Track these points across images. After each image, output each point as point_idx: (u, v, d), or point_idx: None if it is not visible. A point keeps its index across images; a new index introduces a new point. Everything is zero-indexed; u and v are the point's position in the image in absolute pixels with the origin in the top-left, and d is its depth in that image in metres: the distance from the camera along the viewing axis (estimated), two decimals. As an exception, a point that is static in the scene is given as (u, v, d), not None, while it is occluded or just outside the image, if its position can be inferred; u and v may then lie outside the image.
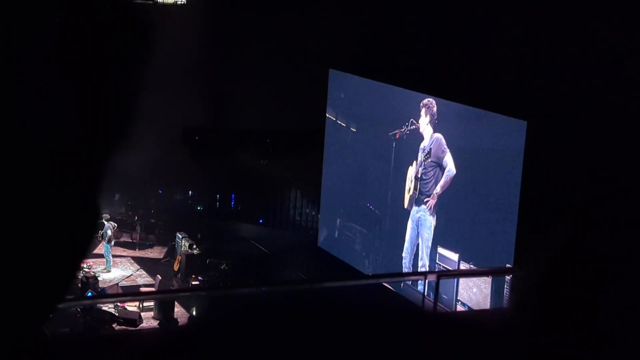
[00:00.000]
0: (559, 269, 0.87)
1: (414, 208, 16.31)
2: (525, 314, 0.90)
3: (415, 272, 15.89)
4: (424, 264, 16.02)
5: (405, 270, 16.48)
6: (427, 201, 15.90)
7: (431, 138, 15.71)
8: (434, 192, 15.68)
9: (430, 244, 15.89)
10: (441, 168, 15.48)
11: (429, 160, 15.75)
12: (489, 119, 14.14)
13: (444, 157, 15.33)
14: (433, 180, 15.73)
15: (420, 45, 15.71)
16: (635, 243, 0.83)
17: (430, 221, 15.84)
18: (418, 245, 16.25)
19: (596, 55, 12.05)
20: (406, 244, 16.57)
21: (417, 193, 16.07)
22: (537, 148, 13.02)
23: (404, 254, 16.61)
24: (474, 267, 14.66)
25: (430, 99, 15.66)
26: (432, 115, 15.64)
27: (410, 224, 16.48)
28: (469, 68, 14.46)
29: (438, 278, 7.07)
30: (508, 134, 13.75)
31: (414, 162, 16.25)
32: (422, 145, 16.02)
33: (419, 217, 16.14)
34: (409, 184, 16.42)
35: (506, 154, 13.79)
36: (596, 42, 12.09)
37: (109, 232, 19.84)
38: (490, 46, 14.15)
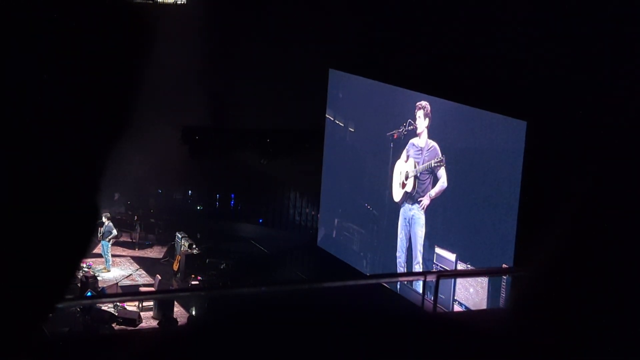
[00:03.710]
0: (558, 269, 0.87)
1: (407, 205, 16.34)
2: (525, 315, 0.89)
3: (415, 272, 15.90)
4: (418, 262, 16.04)
5: (400, 268, 16.51)
6: (421, 201, 15.93)
7: (427, 143, 15.73)
8: (428, 193, 15.74)
9: (423, 242, 15.93)
10: (435, 177, 15.55)
11: (424, 164, 15.80)
12: (488, 119, 14.14)
13: (438, 167, 15.41)
14: (427, 182, 15.77)
15: (420, 45, 15.71)
16: (636, 243, 0.83)
17: (423, 219, 15.90)
18: (411, 243, 16.29)
19: (596, 55, 12.05)
20: (399, 243, 16.59)
21: (415, 191, 16.09)
22: (537, 148, 13.02)
23: (398, 253, 16.63)
24: (471, 267, 14.68)
25: (425, 102, 15.69)
26: (429, 118, 15.68)
27: (401, 222, 16.51)
28: (469, 68, 14.46)
29: (438, 278, 7.06)
30: (508, 134, 13.75)
31: (408, 156, 16.25)
32: (416, 142, 16.02)
33: (413, 215, 16.16)
34: (401, 177, 16.43)
35: (506, 154, 13.80)
36: (596, 41, 12.09)
37: (114, 232, 19.84)
38: (490, 46, 14.15)
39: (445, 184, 15.27)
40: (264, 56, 20.25)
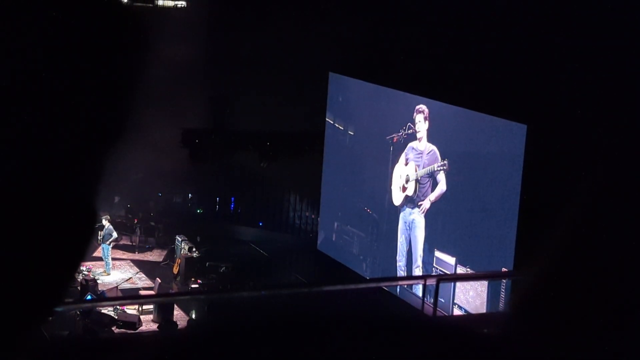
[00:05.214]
0: (558, 272, 0.87)
1: (407, 209, 16.32)
2: (524, 318, 0.89)
3: (415, 276, 15.90)
4: (418, 266, 16.04)
5: (400, 272, 16.50)
6: (421, 204, 15.93)
7: (427, 147, 15.74)
8: (428, 197, 15.74)
9: (423, 245, 15.93)
10: (434, 181, 15.54)
11: (426, 168, 15.80)
12: (488, 122, 14.14)
13: (438, 172, 15.42)
14: (427, 186, 15.78)
15: (420, 49, 15.72)
16: (636, 246, 0.83)
17: (423, 222, 15.90)
18: (411, 246, 16.28)
19: (597, 58, 12.05)
20: (399, 246, 16.58)
21: (415, 195, 16.09)
22: (537, 152, 13.02)
23: (398, 257, 16.62)
24: (471, 271, 14.67)
25: (424, 105, 15.69)
26: (428, 121, 15.69)
27: (401, 225, 16.50)
28: (469, 71, 14.46)
29: (438, 282, 7.07)
30: (508, 137, 13.75)
31: (408, 160, 16.25)
32: (415, 146, 16.02)
33: (413, 219, 16.16)
34: (401, 181, 16.42)
35: (506, 158, 13.80)
36: (596, 44, 12.09)
37: (115, 234, 19.82)
38: (490, 49, 14.16)
39: (444, 188, 15.27)
40: (264, 59, 20.25)
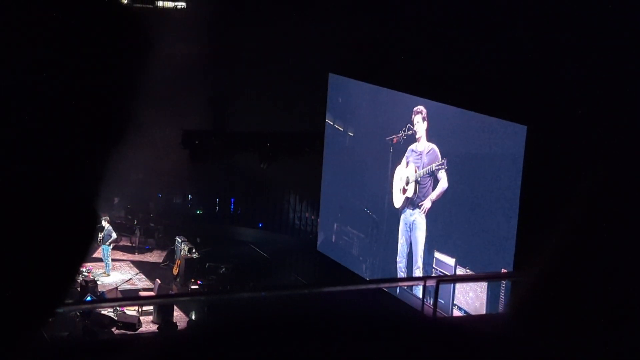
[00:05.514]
0: (558, 273, 0.87)
1: (408, 211, 16.31)
2: (524, 320, 0.89)
3: (414, 277, 15.89)
4: (418, 267, 16.03)
5: (400, 274, 16.50)
6: (422, 205, 15.92)
7: (426, 146, 15.73)
8: (429, 197, 15.73)
9: (423, 246, 15.91)
10: (435, 179, 15.53)
11: (425, 168, 15.79)
12: (488, 124, 14.14)
13: (439, 170, 15.40)
14: (428, 186, 15.77)
15: (420, 50, 15.72)
16: (636, 247, 0.83)
17: (424, 223, 15.88)
18: (412, 248, 16.27)
19: (597, 58, 12.05)
20: (400, 248, 16.56)
21: (416, 196, 16.09)
22: (537, 153, 13.02)
23: (398, 258, 16.61)
24: (471, 272, 14.67)
25: (421, 106, 15.69)
26: (427, 121, 15.69)
27: (402, 227, 16.49)
28: (469, 72, 14.47)
29: (438, 283, 7.06)
30: (508, 138, 13.75)
31: (408, 162, 16.25)
32: (415, 147, 16.02)
33: (414, 220, 16.14)
34: (401, 183, 16.42)
35: (506, 159, 13.79)
36: (596, 44, 12.09)
37: (114, 235, 19.83)
38: (490, 50, 14.16)
39: (446, 185, 15.23)
40: (264, 60, 20.26)
